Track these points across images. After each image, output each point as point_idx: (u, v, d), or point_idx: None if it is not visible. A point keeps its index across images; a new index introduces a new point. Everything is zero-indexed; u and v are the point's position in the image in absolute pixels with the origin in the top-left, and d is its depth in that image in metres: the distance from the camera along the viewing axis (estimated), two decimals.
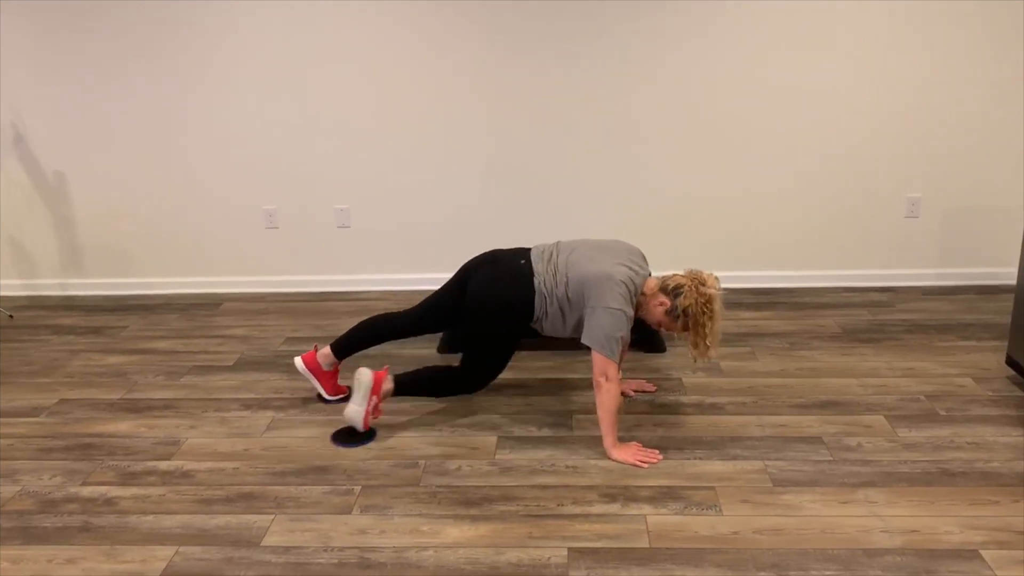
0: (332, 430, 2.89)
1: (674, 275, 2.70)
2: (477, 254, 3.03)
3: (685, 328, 2.66)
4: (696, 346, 2.64)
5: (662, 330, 2.80)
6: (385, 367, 2.88)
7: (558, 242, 2.89)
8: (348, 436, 2.83)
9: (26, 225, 4.43)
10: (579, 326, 2.73)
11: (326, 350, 3.09)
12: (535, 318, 2.78)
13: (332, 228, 4.36)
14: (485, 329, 2.81)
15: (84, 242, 4.45)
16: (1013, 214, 4.14)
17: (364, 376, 2.76)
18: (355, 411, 2.76)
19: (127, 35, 4.06)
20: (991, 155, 4.06)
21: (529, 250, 2.88)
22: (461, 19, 3.97)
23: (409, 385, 2.86)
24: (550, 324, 2.80)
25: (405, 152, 4.21)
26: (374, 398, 2.77)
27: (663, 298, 2.66)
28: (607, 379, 2.61)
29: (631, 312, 2.65)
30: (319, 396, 3.16)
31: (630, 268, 2.69)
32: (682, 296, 2.61)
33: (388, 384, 2.82)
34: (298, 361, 3.09)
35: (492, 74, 4.06)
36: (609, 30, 3.95)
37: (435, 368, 2.91)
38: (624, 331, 2.62)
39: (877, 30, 3.89)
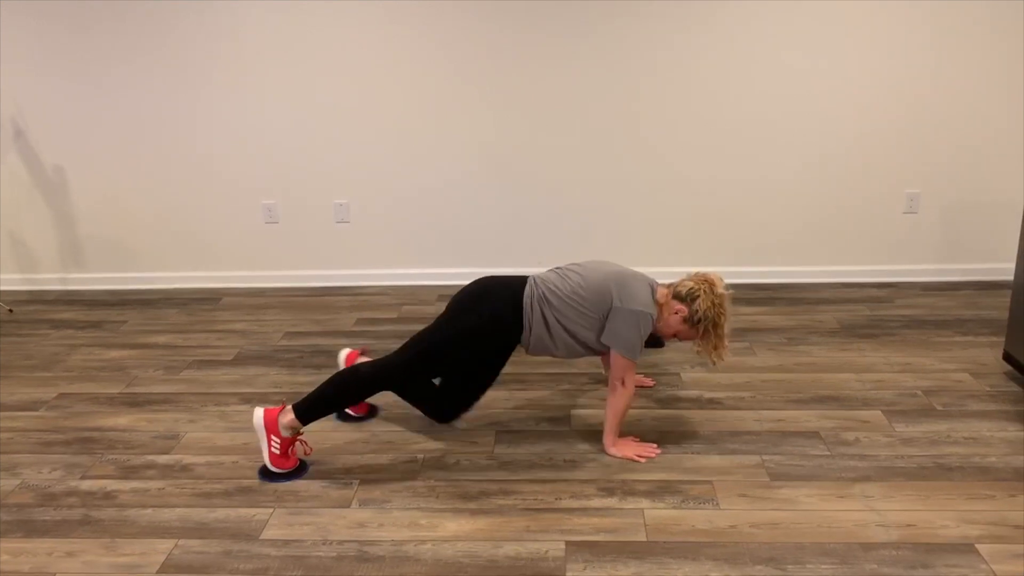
0: (330, 425, 2.89)
1: (681, 281, 2.61)
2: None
3: (705, 333, 2.57)
4: (716, 348, 2.57)
5: (676, 339, 2.68)
6: (282, 402, 2.63)
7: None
8: (270, 471, 2.58)
9: (26, 219, 4.43)
10: (585, 334, 2.60)
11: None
12: (524, 320, 2.59)
13: (332, 223, 4.37)
14: (467, 343, 2.60)
15: (84, 236, 4.45)
16: (1011, 209, 4.14)
17: (255, 419, 2.55)
18: (265, 458, 2.56)
19: (127, 31, 4.06)
20: (990, 151, 4.06)
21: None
22: (461, 13, 3.97)
23: (315, 405, 2.55)
24: (558, 331, 2.60)
25: (405, 147, 4.22)
26: (274, 438, 2.53)
27: (679, 305, 2.57)
28: (623, 384, 2.59)
29: (655, 312, 2.57)
30: (344, 414, 2.97)
31: (641, 275, 2.64)
32: (699, 300, 2.53)
33: (286, 416, 2.53)
34: (341, 355, 3.00)
35: (492, 69, 4.06)
36: (608, 27, 3.95)
37: (339, 374, 2.63)
38: (648, 331, 2.56)
39: (876, 26, 3.89)
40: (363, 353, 3.00)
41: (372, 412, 2.99)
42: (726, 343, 2.58)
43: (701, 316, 2.54)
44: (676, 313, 2.58)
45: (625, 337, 2.54)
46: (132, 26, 4.05)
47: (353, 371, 2.63)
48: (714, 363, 2.61)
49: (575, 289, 2.59)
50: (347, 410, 2.93)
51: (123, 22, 4.05)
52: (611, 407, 2.63)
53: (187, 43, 4.07)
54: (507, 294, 2.62)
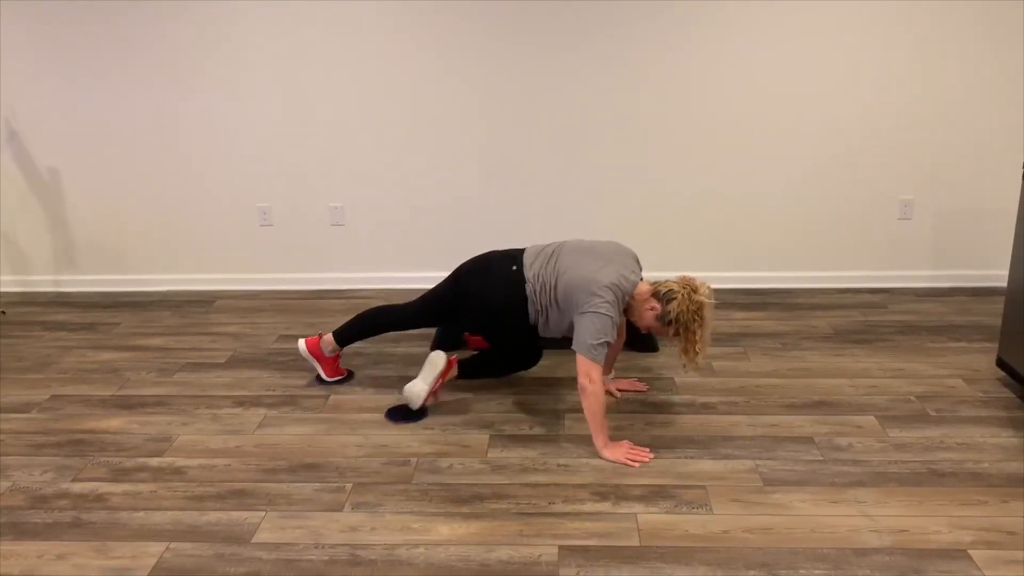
0: (323, 428, 2.89)
1: (667, 281, 2.70)
2: (471, 254, 3.06)
3: (676, 334, 2.66)
4: (686, 352, 2.65)
5: (651, 334, 2.82)
6: (455, 355, 3.03)
7: (551, 245, 2.91)
8: (402, 412, 2.95)
9: (20, 221, 4.42)
10: (572, 328, 2.76)
11: (328, 337, 3.21)
12: (532, 321, 2.85)
13: (326, 226, 4.36)
14: (497, 330, 2.99)
15: (78, 238, 4.44)
16: (1004, 216, 4.15)
17: (438, 359, 2.91)
18: (420, 389, 2.87)
19: (122, 32, 4.06)
20: (983, 157, 4.07)
21: (522, 253, 2.90)
22: (456, 17, 3.97)
23: (472, 368, 3.05)
24: (550, 326, 2.85)
25: (400, 150, 4.21)
26: (440, 381, 2.92)
27: (654, 303, 2.67)
28: (591, 381, 2.62)
29: (617, 317, 2.66)
30: (318, 377, 3.28)
31: (619, 272, 2.69)
32: (674, 302, 2.61)
33: (455, 371, 3.00)
34: (301, 344, 3.22)
35: (487, 72, 4.06)
36: (604, 31, 3.96)
37: (494, 353, 3.07)
38: (610, 335, 2.64)
39: (870, 33, 3.90)
40: (321, 336, 3.24)
41: (349, 376, 3.31)
42: (698, 348, 2.64)
43: (673, 318, 2.62)
44: (651, 309, 2.68)
45: (586, 341, 2.62)
46: (127, 28, 4.05)
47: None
48: (684, 366, 2.70)
49: (555, 297, 2.75)
50: (325, 377, 3.26)
51: (118, 24, 4.04)
52: (587, 409, 2.66)
53: (182, 45, 4.07)
54: (520, 316, 2.85)
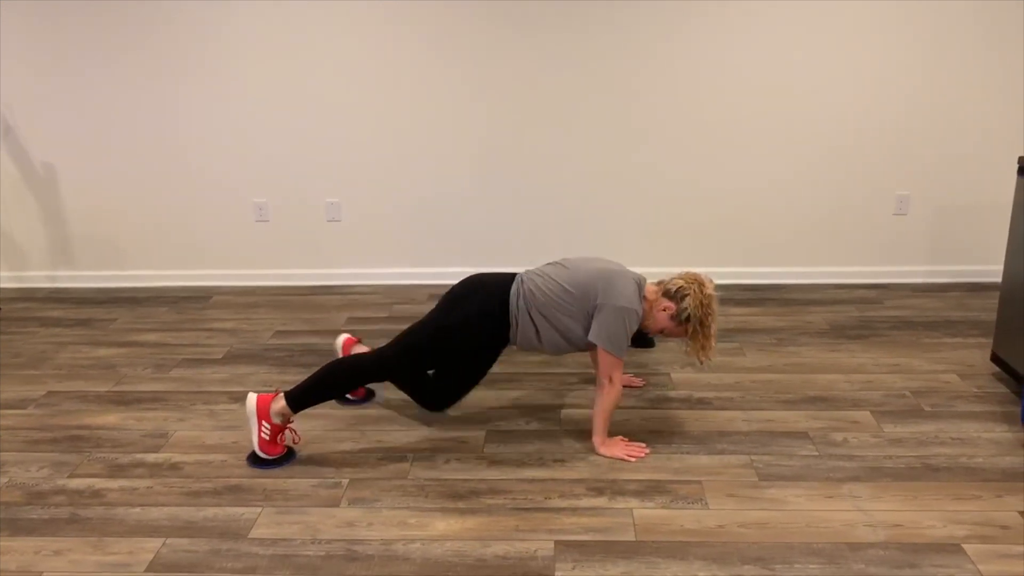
0: (320, 423, 2.89)
1: (672, 279, 2.64)
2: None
3: (694, 331, 2.60)
4: (704, 348, 2.60)
5: (662, 335, 2.73)
6: (276, 389, 2.66)
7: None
8: (258, 457, 2.64)
9: (15, 217, 4.41)
10: (572, 331, 2.63)
11: (354, 341, 3.13)
12: (511, 317, 2.64)
13: (323, 222, 4.36)
14: (456, 336, 2.66)
15: (74, 234, 4.43)
16: (1000, 211, 4.16)
17: (248, 402, 2.61)
18: (254, 443, 2.61)
19: (119, 27, 4.05)
20: (979, 153, 4.08)
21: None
22: (454, 12, 3.97)
23: (307, 393, 2.61)
24: (544, 328, 2.63)
25: (397, 146, 4.21)
26: (265, 424, 2.59)
27: (666, 303, 2.60)
28: (611, 381, 2.60)
29: (641, 309, 2.59)
30: (343, 398, 3.08)
31: (627, 270, 2.66)
32: (688, 298, 2.56)
33: (278, 403, 2.59)
34: (338, 341, 3.10)
35: (486, 68, 4.06)
36: (605, 26, 3.95)
37: (332, 363, 2.69)
38: (634, 328, 2.58)
39: (868, 29, 3.90)
40: (359, 341, 3.10)
41: (369, 396, 3.08)
42: (713, 343, 2.61)
43: (689, 314, 2.57)
44: (664, 310, 2.62)
45: (610, 334, 2.56)
46: (123, 23, 4.04)
47: (346, 361, 2.68)
48: (701, 362, 2.65)
49: (561, 286, 2.61)
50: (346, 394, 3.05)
51: (114, 20, 4.03)
52: (599, 405, 2.64)
53: (179, 41, 4.06)
54: (496, 291, 2.67)
